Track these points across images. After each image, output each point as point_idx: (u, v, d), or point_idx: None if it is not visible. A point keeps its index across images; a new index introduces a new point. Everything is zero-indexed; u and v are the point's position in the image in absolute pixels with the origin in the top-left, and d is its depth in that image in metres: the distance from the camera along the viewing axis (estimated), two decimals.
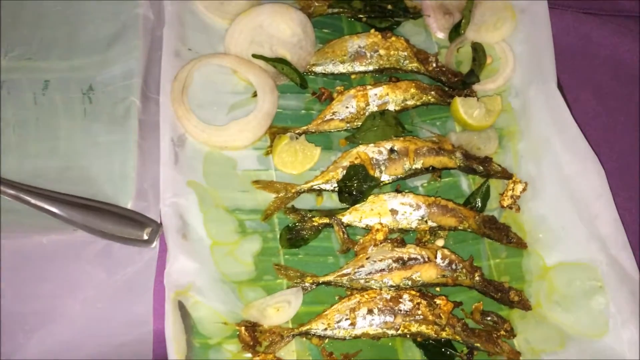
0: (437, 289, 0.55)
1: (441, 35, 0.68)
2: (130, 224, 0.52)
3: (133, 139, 0.57)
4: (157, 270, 0.51)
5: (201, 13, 0.64)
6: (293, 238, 0.55)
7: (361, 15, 0.66)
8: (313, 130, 0.60)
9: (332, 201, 0.58)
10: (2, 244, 0.51)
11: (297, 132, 0.60)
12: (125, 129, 0.57)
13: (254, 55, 0.62)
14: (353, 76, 0.64)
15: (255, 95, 0.61)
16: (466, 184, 0.61)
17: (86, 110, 0.59)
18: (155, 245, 0.52)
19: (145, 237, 0.51)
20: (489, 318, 0.54)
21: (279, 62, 0.62)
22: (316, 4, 0.66)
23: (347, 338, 0.51)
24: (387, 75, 0.64)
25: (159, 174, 0.55)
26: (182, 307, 0.49)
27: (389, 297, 0.51)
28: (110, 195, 0.54)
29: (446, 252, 0.54)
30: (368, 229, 0.56)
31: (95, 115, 0.58)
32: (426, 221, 0.56)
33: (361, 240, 0.55)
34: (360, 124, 0.61)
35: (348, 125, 0.61)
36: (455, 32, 0.67)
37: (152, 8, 0.63)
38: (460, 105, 0.61)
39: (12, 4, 0.61)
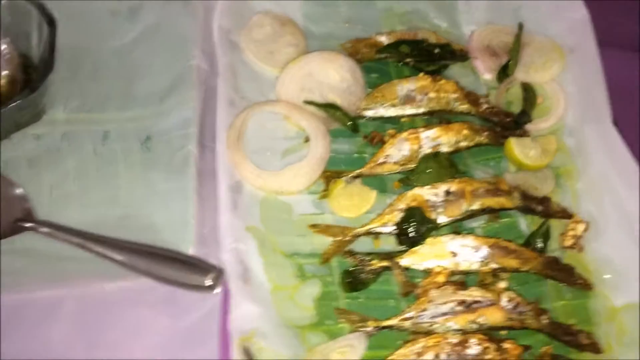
0: (503, 332, 0.55)
1: (489, 76, 0.71)
2: (193, 270, 0.53)
3: (192, 187, 0.59)
4: (221, 316, 0.53)
5: (252, 62, 0.68)
6: (353, 282, 0.56)
7: (408, 60, 0.69)
8: (367, 174, 0.62)
9: (389, 244, 0.60)
10: (65, 293, 0.54)
11: (351, 175, 0.62)
12: (184, 176, 0.60)
13: (306, 102, 0.65)
14: (403, 119, 0.66)
15: (307, 140, 0.64)
16: (525, 224, 0.61)
17: (145, 160, 0.62)
18: (218, 291, 0.53)
19: (208, 283, 0.53)
20: None
21: (330, 108, 0.65)
22: (364, 50, 0.69)
23: None
24: (438, 117, 0.66)
25: (218, 220, 0.58)
26: (247, 353, 0.50)
27: (455, 341, 0.51)
28: (171, 242, 0.56)
29: (511, 294, 0.55)
30: (428, 272, 0.57)
31: (153, 164, 0.61)
32: (487, 263, 0.57)
33: (422, 283, 0.56)
34: (413, 166, 0.63)
35: (401, 167, 0.63)
36: (504, 73, 0.70)
37: (206, 59, 0.67)
38: (515, 145, 0.63)
39: (70, 59, 0.65)
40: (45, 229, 0.56)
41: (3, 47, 0.62)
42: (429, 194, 0.59)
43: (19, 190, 0.58)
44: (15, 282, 0.54)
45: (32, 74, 0.64)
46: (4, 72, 0.63)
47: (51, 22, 0.61)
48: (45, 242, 0.56)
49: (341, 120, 0.65)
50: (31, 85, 0.59)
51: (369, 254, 0.58)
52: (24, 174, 0.60)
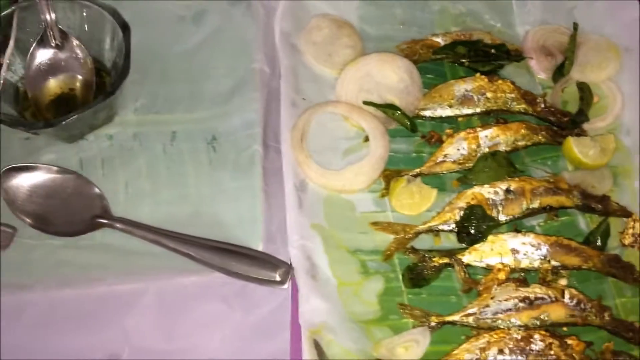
0: (564, 328, 0.56)
1: (544, 76, 0.71)
2: (263, 266, 0.56)
3: (258, 185, 0.62)
4: (292, 310, 0.55)
5: (312, 65, 0.70)
6: (415, 278, 0.58)
7: (464, 60, 0.70)
8: (426, 172, 0.64)
9: (449, 241, 0.61)
10: (144, 286, 0.57)
11: (411, 174, 0.63)
12: (250, 175, 0.62)
13: (365, 102, 0.67)
14: (460, 119, 0.68)
15: (366, 139, 0.66)
16: (584, 222, 0.62)
17: (211, 159, 0.65)
18: (288, 286, 0.56)
19: (278, 278, 0.55)
20: (620, 358, 0.54)
21: (389, 108, 0.66)
22: (420, 51, 0.71)
23: None
24: (494, 116, 0.67)
25: (284, 218, 0.60)
26: (317, 346, 0.52)
27: (519, 337, 0.53)
28: (240, 238, 0.59)
29: (573, 291, 0.56)
30: (488, 269, 0.58)
31: (220, 164, 0.64)
32: (549, 260, 0.58)
33: (483, 280, 0.57)
34: (471, 165, 0.64)
35: (459, 166, 0.64)
36: (559, 72, 0.70)
37: (267, 62, 0.69)
38: (574, 144, 0.63)
39: (139, 62, 0.67)
40: (121, 226, 0.59)
41: (78, 52, 0.66)
42: (489, 192, 0.61)
43: (96, 189, 0.61)
44: (97, 276, 0.57)
45: (105, 78, 0.68)
46: (79, 77, 0.67)
47: (125, 28, 0.64)
48: (122, 238, 0.59)
49: (400, 120, 0.66)
50: (107, 89, 0.62)
51: (430, 251, 0.60)
52: (100, 173, 0.63)
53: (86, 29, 0.66)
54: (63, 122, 0.59)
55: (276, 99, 0.68)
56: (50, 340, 0.55)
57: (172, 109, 0.68)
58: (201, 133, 0.66)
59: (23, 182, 0.60)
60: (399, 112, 0.66)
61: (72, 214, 0.60)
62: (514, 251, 0.58)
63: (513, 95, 0.67)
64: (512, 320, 0.55)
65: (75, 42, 0.65)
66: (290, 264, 0.57)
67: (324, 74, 0.70)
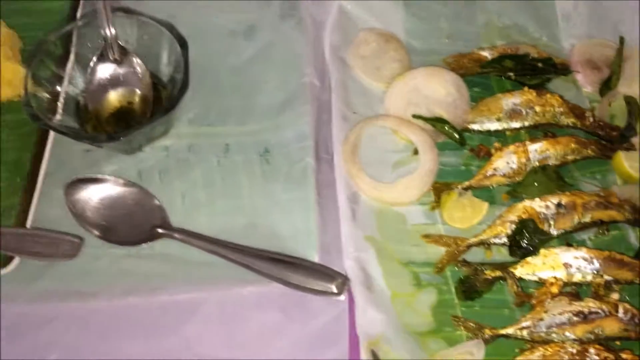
0: (617, 342, 0.57)
1: (590, 89, 0.72)
2: (320, 277, 0.57)
3: (312, 197, 0.63)
4: (349, 321, 0.56)
5: (361, 78, 0.72)
6: (468, 290, 0.59)
7: (511, 74, 0.71)
8: (475, 186, 0.65)
9: (500, 254, 0.62)
10: (204, 296, 0.59)
11: (462, 187, 0.64)
12: (304, 187, 0.64)
13: (414, 116, 0.68)
14: (508, 132, 0.69)
15: (415, 152, 0.67)
16: (634, 237, 0.63)
17: (264, 171, 0.66)
18: (344, 297, 0.57)
19: (335, 289, 0.57)
20: None
21: (437, 121, 0.67)
22: (468, 65, 0.72)
23: None
24: (542, 130, 0.68)
25: (337, 229, 0.62)
26: (375, 356, 0.54)
27: (574, 350, 0.54)
28: (296, 250, 0.60)
29: (627, 305, 0.56)
30: (540, 282, 0.59)
31: (273, 175, 0.66)
32: (602, 275, 0.58)
33: (536, 294, 0.58)
34: (520, 178, 0.65)
35: (509, 180, 0.65)
36: (606, 86, 0.71)
37: (317, 75, 0.71)
38: (624, 159, 0.64)
39: (192, 76, 0.69)
40: (180, 236, 0.61)
41: (137, 67, 0.68)
42: (540, 206, 0.61)
43: (156, 201, 0.63)
44: (159, 285, 0.59)
45: (162, 91, 0.70)
46: (138, 91, 0.69)
47: (183, 44, 0.65)
48: (181, 248, 0.61)
49: (448, 133, 0.67)
50: (164, 103, 0.65)
51: (482, 264, 0.61)
52: (157, 183, 0.65)
53: (144, 44, 0.69)
54: (127, 136, 0.62)
55: (326, 112, 0.70)
56: (115, 346, 0.57)
57: (225, 121, 0.70)
58: (254, 145, 0.68)
59: (88, 193, 0.62)
60: (447, 126, 0.67)
61: (134, 224, 0.62)
62: (567, 265, 0.59)
63: (562, 109, 0.67)
64: (567, 334, 0.55)
65: (133, 57, 0.68)
66: (346, 275, 0.58)
67: (373, 88, 0.72)
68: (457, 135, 0.67)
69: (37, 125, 0.63)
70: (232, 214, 0.64)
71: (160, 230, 0.62)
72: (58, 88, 0.66)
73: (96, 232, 0.60)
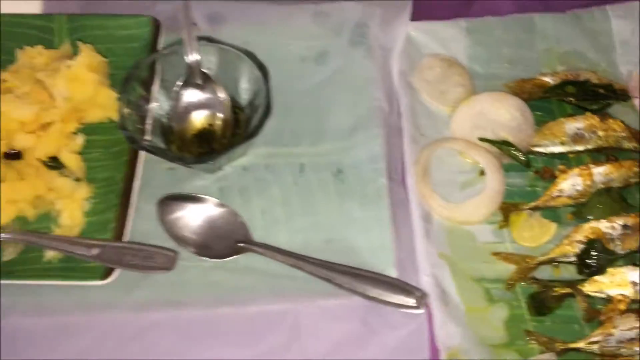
0: None
1: None
2: (399, 291, 0.61)
3: (387, 216, 0.67)
4: (429, 334, 0.60)
5: (427, 102, 0.76)
6: (539, 306, 0.62)
7: (572, 99, 0.75)
8: (542, 206, 0.68)
9: (567, 272, 0.65)
10: (286, 307, 0.63)
11: (528, 208, 0.68)
12: (379, 206, 0.68)
13: (481, 139, 0.72)
14: (571, 155, 0.72)
15: (482, 173, 0.71)
16: None
17: (339, 190, 0.70)
18: (422, 311, 0.61)
19: (414, 303, 0.61)
20: None
21: (504, 144, 0.71)
22: (530, 90, 0.75)
23: None
24: (604, 154, 0.71)
25: (410, 246, 0.66)
26: None
27: None
28: (374, 265, 0.64)
29: None
30: (608, 299, 0.62)
31: (347, 194, 0.70)
32: None
33: (604, 310, 0.61)
34: (585, 200, 0.68)
35: (574, 201, 0.68)
36: None
37: (386, 100, 0.75)
38: None
39: None
40: (264, 250, 0.65)
41: (218, 91, 0.73)
42: (606, 227, 0.64)
43: (239, 217, 0.68)
44: (248, 297, 0.64)
45: (239, 114, 0.74)
46: (218, 114, 0.74)
47: (264, 71, 0.70)
48: (264, 262, 0.65)
49: (514, 156, 0.71)
50: (243, 125, 0.69)
51: (551, 281, 0.64)
52: (238, 201, 0.70)
53: (224, 69, 0.73)
54: (217, 158, 0.67)
55: (395, 135, 0.74)
56: (209, 354, 0.61)
57: (298, 142, 0.74)
58: (327, 165, 0.72)
59: (178, 209, 0.67)
60: (513, 149, 0.71)
61: (220, 239, 0.67)
62: (634, 283, 0.62)
63: (624, 134, 0.70)
64: (635, 349, 0.59)
65: (215, 82, 0.73)
66: (424, 290, 0.62)
67: (438, 111, 0.76)
68: (523, 158, 0.70)
69: (133, 146, 0.68)
70: (310, 230, 0.68)
71: (244, 245, 0.66)
72: (146, 111, 0.72)
73: (190, 248, 0.65)
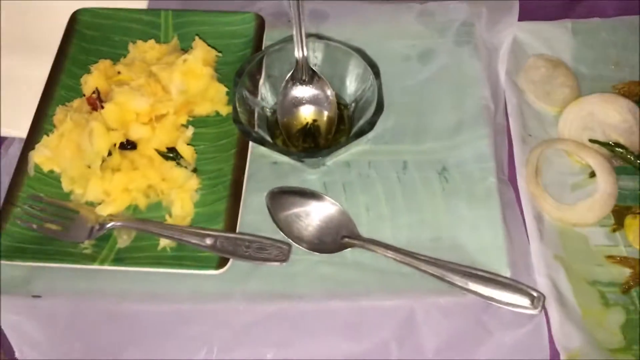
0: None
1: None
2: (515, 291, 0.61)
3: (497, 215, 0.67)
4: (548, 335, 0.60)
5: (533, 102, 0.75)
6: None
7: None
8: None
9: None
10: (404, 304, 0.63)
11: None
12: (489, 206, 0.68)
13: (591, 140, 0.71)
14: None
15: (591, 175, 0.70)
16: None
17: (444, 188, 0.71)
18: (540, 312, 0.60)
19: (530, 304, 0.60)
20: None
21: (616, 147, 0.70)
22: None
23: None
24: None
25: (522, 247, 0.66)
26: None
27: None
28: (486, 264, 0.64)
29: None
30: None
31: (454, 193, 0.70)
32: None
33: None
34: None
35: None
36: None
37: (492, 99, 0.75)
38: None
39: None
40: (373, 246, 0.66)
41: (323, 88, 0.74)
42: None
43: (345, 213, 0.68)
44: (359, 291, 0.64)
45: (343, 111, 0.76)
46: (323, 110, 0.75)
47: (375, 68, 0.71)
48: (371, 257, 0.66)
49: (627, 159, 0.70)
50: (365, 126, 0.67)
51: None
52: (342, 197, 0.71)
53: (330, 66, 0.74)
54: (331, 154, 0.68)
55: (500, 134, 0.74)
56: (322, 345, 0.62)
57: (401, 140, 0.75)
58: (431, 163, 0.72)
59: (288, 202, 0.68)
60: (626, 151, 0.70)
61: (327, 233, 0.68)
62: None
63: None
64: None
65: (321, 78, 0.74)
66: (540, 291, 0.62)
67: (544, 111, 0.75)
68: (637, 161, 0.69)
69: (247, 139, 0.70)
70: (416, 227, 0.68)
71: (351, 240, 0.67)
72: (254, 105, 0.74)
73: (302, 243, 0.66)
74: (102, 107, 0.70)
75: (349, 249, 0.67)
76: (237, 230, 0.67)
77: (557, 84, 0.76)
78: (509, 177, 0.71)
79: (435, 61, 0.78)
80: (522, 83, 0.76)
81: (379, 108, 0.68)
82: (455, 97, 0.76)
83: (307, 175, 0.73)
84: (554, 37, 0.79)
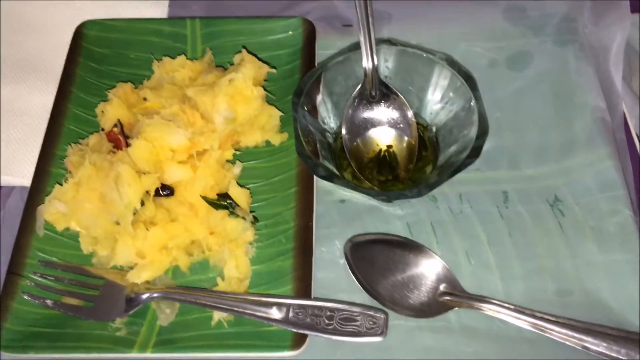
0: None
1: None
2: None
3: (637, 260, 0.55)
4: None
5: None
6: None
7: None
8: None
9: None
10: None
11: None
12: (628, 246, 0.56)
13: None
14: None
15: None
16: None
17: (562, 225, 0.58)
18: None
19: None
20: None
21: None
22: None
23: None
24: None
25: None
26: None
27: None
28: (633, 323, 0.52)
29: None
30: None
31: (575, 230, 0.58)
32: None
33: None
34: None
35: None
36: None
37: (609, 110, 0.63)
38: None
39: None
40: (479, 304, 0.53)
41: (403, 108, 0.62)
42: None
43: (441, 261, 0.55)
44: None
45: (423, 132, 0.63)
46: (400, 133, 0.63)
47: (471, 81, 0.58)
48: (482, 320, 0.54)
49: None
50: (467, 159, 0.55)
51: None
52: (433, 240, 0.58)
53: (404, 77, 0.62)
54: (422, 195, 0.55)
55: (623, 153, 0.62)
56: None
57: (496, 165, 0.62)
58: (538, 193, 0.60)
59: (370, 254, 0.56)
60: None
61: (420, 291, 0.55)
62: None
63: None
64: None
65: (396, 94, 0.62)
66: None
67: None
68: None
69: (317, 175, 0.56)
70: (535, 278, 0.56)
71: (455, 299, 0.55)
72: (315, 131, 0.61)
73: (398, 308, 0.53)
74: (128, 145, 0.56)
75: (453, 309, 0.55)
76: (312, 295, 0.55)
77: None
78: (638, 206, 0.60)
79: (531, 66, 0.66)
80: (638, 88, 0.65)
81: (483, 129, 0.56)
82: (560, 110, 0.64)
83: (385, 214, 0.61)
84: None
